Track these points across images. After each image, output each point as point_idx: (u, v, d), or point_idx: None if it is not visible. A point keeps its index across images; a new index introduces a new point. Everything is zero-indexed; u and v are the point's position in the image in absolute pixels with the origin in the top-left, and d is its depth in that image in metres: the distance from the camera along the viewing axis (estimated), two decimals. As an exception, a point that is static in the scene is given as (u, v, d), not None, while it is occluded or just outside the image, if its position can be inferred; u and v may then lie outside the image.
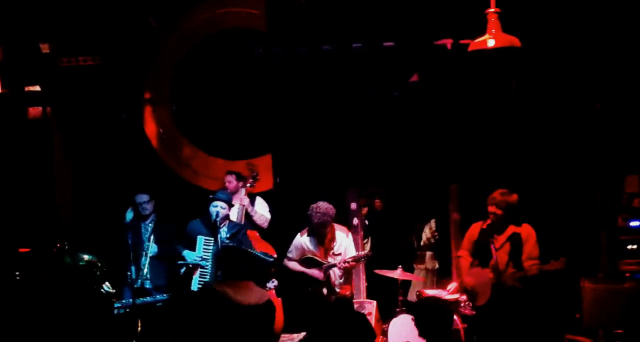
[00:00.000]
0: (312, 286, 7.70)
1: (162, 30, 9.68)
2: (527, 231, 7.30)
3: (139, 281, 8.00)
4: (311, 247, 7.74)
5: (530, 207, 8.10)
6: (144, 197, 8.24)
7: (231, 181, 8.54)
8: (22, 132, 9.65)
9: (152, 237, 8.12)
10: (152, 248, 8.07)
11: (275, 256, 8.18)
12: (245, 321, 6.00)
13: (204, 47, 9.61)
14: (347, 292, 7.79)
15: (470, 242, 7.53)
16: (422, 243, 9.09)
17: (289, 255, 7.86)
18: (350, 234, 7.90)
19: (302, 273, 7.74)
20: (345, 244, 7.74)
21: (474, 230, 7.54)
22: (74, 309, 7.75)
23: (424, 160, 8.95)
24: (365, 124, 8.94)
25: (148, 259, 8.06)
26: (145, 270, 8.04)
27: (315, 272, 7.66)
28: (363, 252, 7.72)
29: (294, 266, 7.80)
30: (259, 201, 8.64)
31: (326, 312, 7.33)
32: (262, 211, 8.56)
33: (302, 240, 7.80)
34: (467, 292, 7.46)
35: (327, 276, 7.70)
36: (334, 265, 7.60)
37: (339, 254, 7.69)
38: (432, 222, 9.07)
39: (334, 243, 7.71)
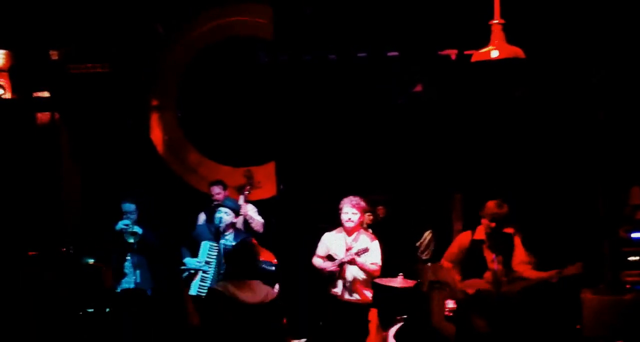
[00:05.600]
0: (327, 285, 7.71)
1: (169, 37, 9.77)
2: (514, 236, 7.37)
3: (126, 285, 8.04)
4: (333, 245, 7.76)
5: (534, 217, 8.14)
6: (131, 207, 8.13)
7: (219, 192, 8.53)
8: (30, 137, 9.72)
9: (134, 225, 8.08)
10: (135, 228, 7.99)
11: (275, 261, 8.23)
12: (249, 320, 6.01)
13: (210, 55, 9.70)
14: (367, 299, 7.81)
15: (460, 252, 7.48)
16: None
17: (317, 252, 7.85)
18: (376, 241, 7.90)
19: (320, 271, 7.75)
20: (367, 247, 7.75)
21: (464, 240, 7.51)
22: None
23: (428, 170, 8.98)
24: (369, 133, 8.98)
25: (131, 264, 8.06)
26: (136, 274, 8.05)
27: (328, 264, 7.67)
28: (361, 247, 7.70)
29: (318, 263, 7.80)
30: (249, 206, 8.65)
31: (337, 313, 7.44)
32: (256, 216, 8.59)
33: (328, 237, 7.83)
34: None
35: (342, 273, 7.69)
36: (342, 260, 7.61)
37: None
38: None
39: (355, 243, 7.72)
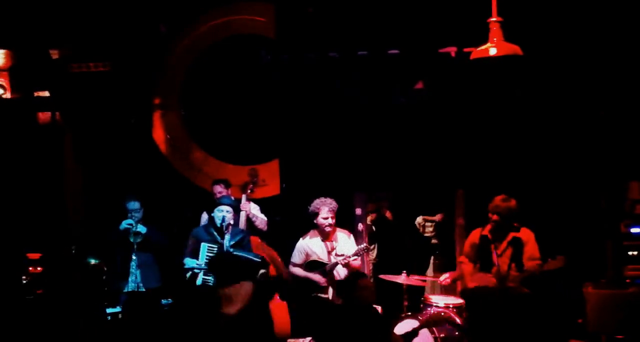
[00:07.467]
0: (316, 291, 7.75)
1: (171, 36, 9.78)
2: (526, 234, 7.35)
3: (132, 284, 8.07)
4: (314, 249, 7.78)
5: (535, 213, 8.16)
6: (135, 205, 8.17)
7: (221, 191, 8.54)
8: (31, 137, 9.74)
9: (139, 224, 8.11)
10: (139, 228, 8.05)
11: (280, 260, 8.26)
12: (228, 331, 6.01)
13: (213, 54, 9.71)
14: None
15: (471, 248, 7.57)
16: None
17: (293, 260, 7.88)
18: (351, 235, 7.95)
19: (306, 279, 7.79)
20: (348, 245, 7.78)
21: (474, 236, 7.57)
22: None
23: (430, 166, 9.00)
24: (371, 130, 9.00)
25: (136, 263, 8.09)
26: (136, 274, 8.06)
27: (317, 277, 7.70)
28: (361, 246, 7.74)
29: (299, 271, 7.83)
30: (252, 204, 8.66)
31: (332, 317, 7.46)
32: (259, 214, 8.61)
33: (305, 243, 7.85)
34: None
35: (332, 277, 7.73)
36: (336, 263, 7.64)
37: (342, 255, 7.70)
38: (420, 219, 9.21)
39: (337, 244, 7.76)
